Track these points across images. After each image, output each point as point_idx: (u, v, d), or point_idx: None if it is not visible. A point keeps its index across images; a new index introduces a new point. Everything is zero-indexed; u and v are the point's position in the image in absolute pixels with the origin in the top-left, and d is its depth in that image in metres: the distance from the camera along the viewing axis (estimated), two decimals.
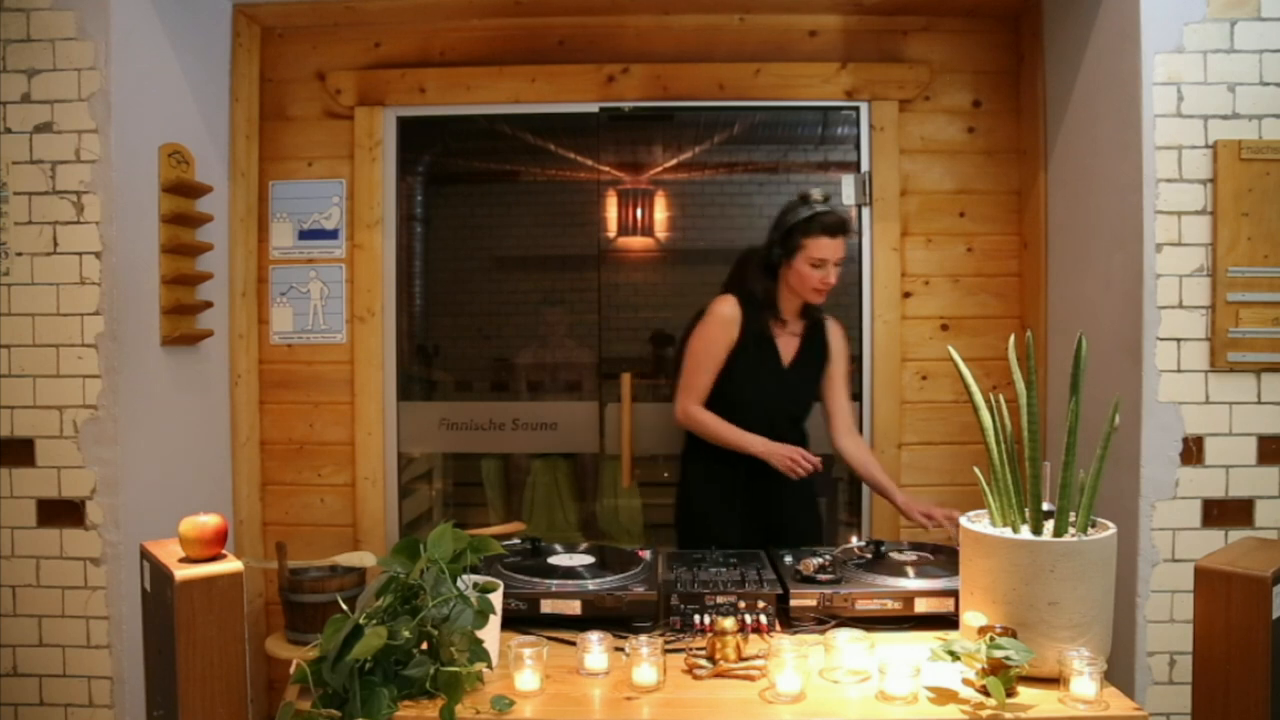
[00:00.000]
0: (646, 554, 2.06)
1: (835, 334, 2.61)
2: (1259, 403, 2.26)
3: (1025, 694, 1.49)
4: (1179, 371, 2.26)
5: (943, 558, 2.03)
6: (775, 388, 2.51)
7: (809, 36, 3.02)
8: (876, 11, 2.97)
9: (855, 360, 2.99)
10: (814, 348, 2.57)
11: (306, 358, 3.07)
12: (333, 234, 3.05)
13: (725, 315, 2.48)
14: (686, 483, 2.64)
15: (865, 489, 2.99)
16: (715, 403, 2.49)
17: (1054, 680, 1.50)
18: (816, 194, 2.45)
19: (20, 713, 2.37)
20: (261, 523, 3.07)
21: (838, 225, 2.41)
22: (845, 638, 1.59)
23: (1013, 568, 1.55)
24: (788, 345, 2.54)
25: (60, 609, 2.36)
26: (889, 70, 2.96)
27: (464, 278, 3.40)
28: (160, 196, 2.54)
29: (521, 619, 1.82)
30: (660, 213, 3.25)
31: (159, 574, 1.49)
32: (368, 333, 3.03)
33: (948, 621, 1.80)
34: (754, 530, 2.45)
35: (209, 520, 1.51)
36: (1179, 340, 2.25)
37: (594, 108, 3.04)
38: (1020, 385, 1.66)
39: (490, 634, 1.57)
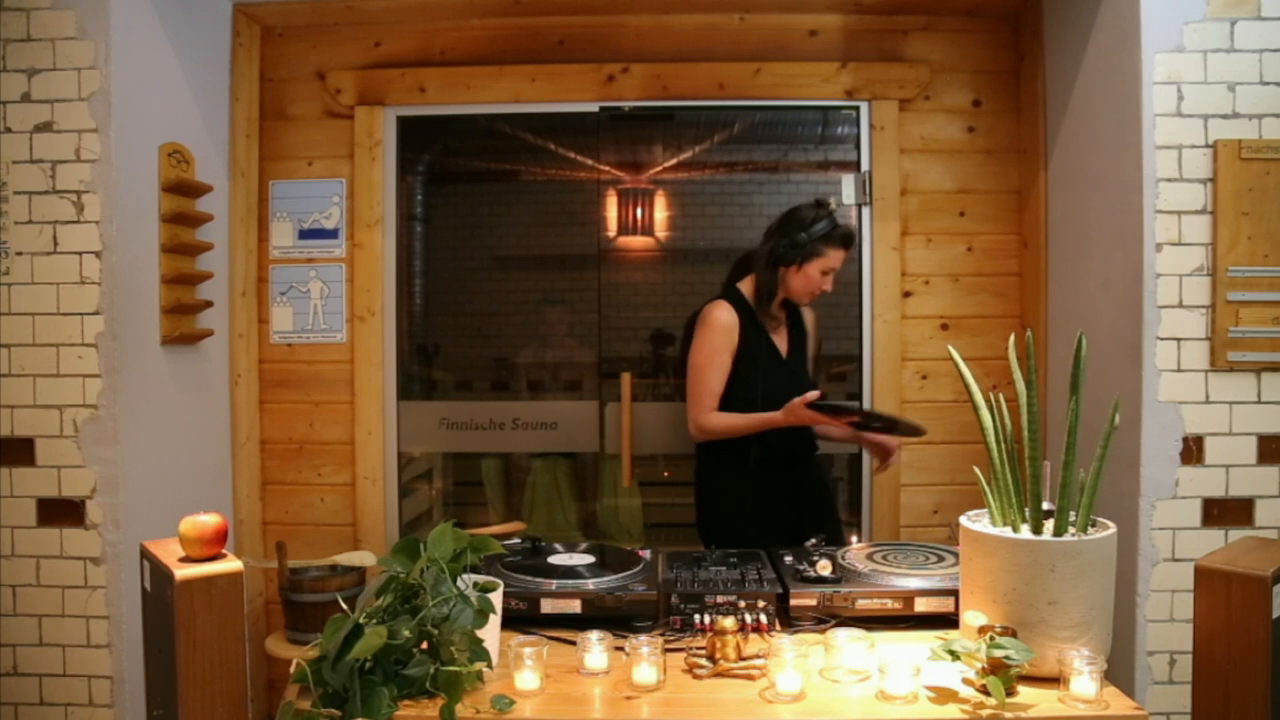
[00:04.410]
0: (646, 553, 2.06)
1: (808, 315, 2.73)
2: (1259, 402, 2.26)
3: (1025, 693, 1.49)
4: (1179, 371, 2.25)
5: (943, 557, 2.03)
6: (782, 379, 2.54)
7: (809, 36, 3.02)
8: (876, 11, 2.97)
9: (855, 360, 3.01)
10: (799, 334, 2.67)
11: (306, 357, 3.07)
12: (333, 233, 3.05)
13: (725, 322, 2.52)
14: (703, 493, 2.66)
15: (865, 488, 3.00)
16: (727, 405, 2.51)
17: (1054, 680, 1.50)
18: (833, 203, 2.55)
19: (20, 712, 2.37)
20: (261, 522, 3.07)
21: (852, 238, 2.54)
22: (845, 637, 1.59)
23: (1013, 567, 1.55)
24: (781, 337, 2.62)
25: (60, 608, 2.36)
26: (889, 70, 2.96)
27: (464, 277, 3.40)
28: (160, 196, 2.54)
29: (521, 618, 1.82)
30: (660, 212, 3.25)
31: (159, 573, 1.49)
32: (368, 332, 3.03)
33: (948, 621, 1.80)
34: (771, 528, 2.45)
35: (209, 520, 1.51)
36: (1179, 340, 2.25)
37: (594, 107, 3.04)
38: (1020, 385, 1.66)
39: (490, 633, 1.57)
